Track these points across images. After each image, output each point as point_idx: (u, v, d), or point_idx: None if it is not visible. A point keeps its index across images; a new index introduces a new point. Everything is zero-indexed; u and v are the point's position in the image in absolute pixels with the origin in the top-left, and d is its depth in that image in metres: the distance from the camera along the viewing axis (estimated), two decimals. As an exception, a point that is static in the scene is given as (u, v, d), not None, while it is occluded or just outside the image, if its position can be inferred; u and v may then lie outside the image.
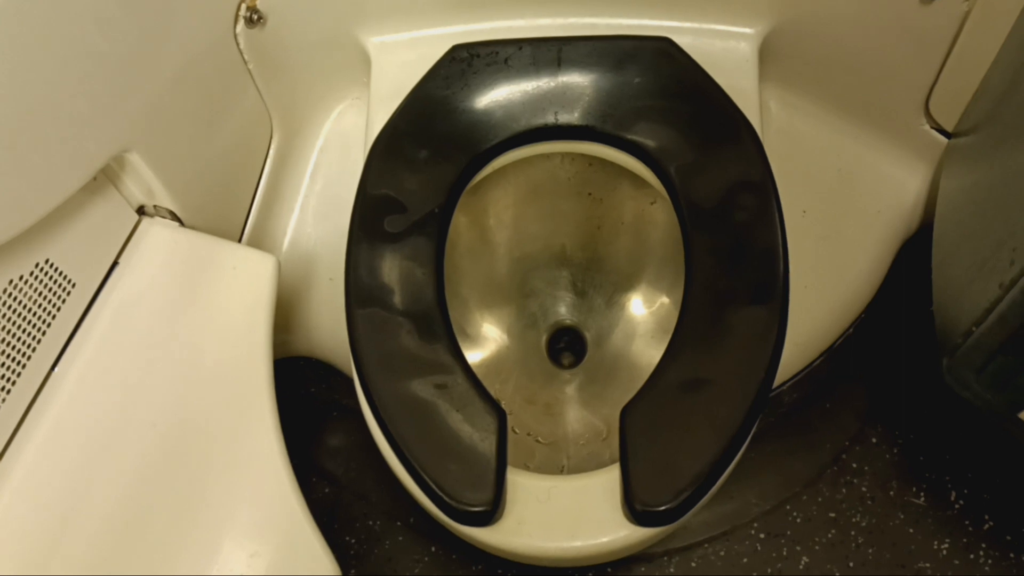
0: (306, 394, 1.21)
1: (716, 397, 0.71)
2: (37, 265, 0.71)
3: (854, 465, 1.10)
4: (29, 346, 0.71)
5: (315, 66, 1.05)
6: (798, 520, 1.07)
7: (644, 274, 1.05)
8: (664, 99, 0.87)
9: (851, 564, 1.03)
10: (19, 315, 0.69)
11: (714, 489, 0.69)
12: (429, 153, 0.85)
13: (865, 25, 0.95)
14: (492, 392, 0.73)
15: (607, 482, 0.70)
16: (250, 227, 1.01)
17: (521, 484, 0.70)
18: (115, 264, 0.80)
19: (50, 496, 0.69)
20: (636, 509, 0.66)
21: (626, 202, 1.02)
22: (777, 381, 1.09)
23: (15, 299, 0.68)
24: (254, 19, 0.93)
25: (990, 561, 1.02)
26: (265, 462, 0.75)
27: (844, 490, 1.08)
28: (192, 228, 0.86)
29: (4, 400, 0.69)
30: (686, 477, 0.67)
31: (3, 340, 0.68)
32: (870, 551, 1.04)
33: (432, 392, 0.73)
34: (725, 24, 0.96)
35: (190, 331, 0.80)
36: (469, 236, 1.04)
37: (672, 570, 1.05)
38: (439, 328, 0.76)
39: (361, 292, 0.78)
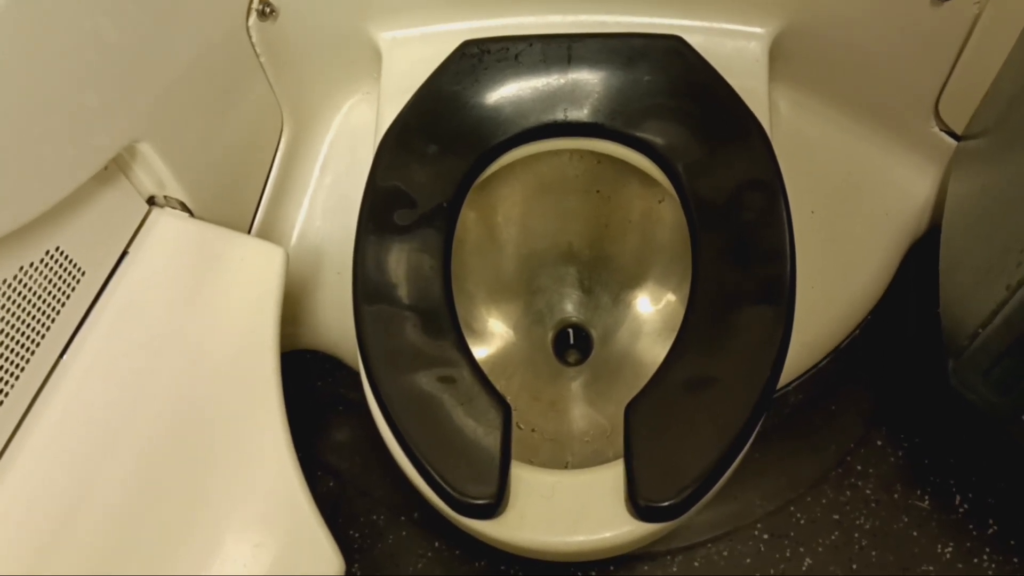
0: (312, 387, 1.21)
1: (721, 395, 0.71)
2: (48, 253, 0.71)
3: (859, 467, 1.10)
4: (38, 333, 0.71)
5: (326, 60, 1.05)
6: (802, 521, 1.07)
7: (651, 272, 1.05)
8: (674, 98, 0.87)
9: (854, 566, 1.03)
10: (29, 302, 0.69)
11: (717, 487, 0.69)
12: (439, 148, 0.85)
13: (876, 26, 0.95)
14: (498, 388, 0.73)
15: (611, 478, 0.70)
16: (259, 220, 1.02)
17: (525, 479, 0.70)
18: (125, 253, 0.81)
19: (57, 483, 0.70)
20: (639, 505, 0.66)
21: (634, 200, 1.02)
22: (783, 381, 1.09)
23: (25, 286, 0.69)
24: (266, 12, 0.93)
25: (993, 565, 1.02)
26: (271, 454, 0.75)
27: (848, 492, 1.08)
28: (202, 219, 0.87)
29: (13, 387, 0.69)
30: (689, 474, 0.67)
31: (13, 327, 0.68)
32: (873, 554, 1.04)
33: (438, 386, 0.73)
34: (736, 24, 0.96)
35: (198, 322, 0.80)
36: (477, 232, 1.04)
37: (675, 569, 1.05)
38: (446, 323, 0.76)
39: (368, 285, 0.78)
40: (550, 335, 1.09)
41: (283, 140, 1.05)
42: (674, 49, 0.90)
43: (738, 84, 0.87)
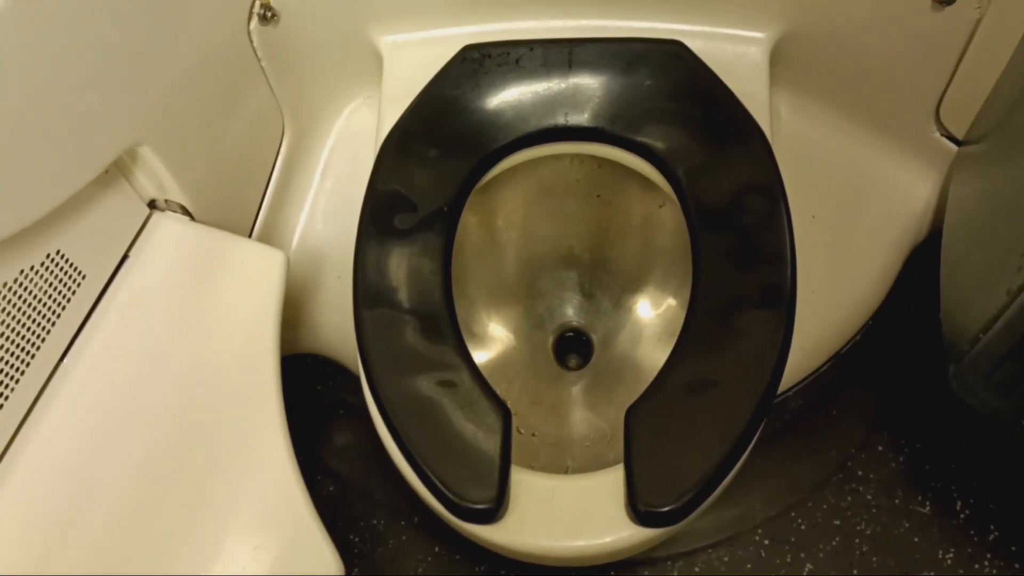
0: (312, 392, 1.21)
1: (721, 400, 0.71)
2: (48, 256, 0.71)
3: (860, 472, 1.09)
4: (39, 336, 0.71)
5: (327, 64, 1.05)
6: (803, 527, 1.07)
7: (651, 277, 1.05)
8: (674, 102, 0.87)
9: (855, 572, 1.03)
10: (30, 305, 0.69)
11: (718, 492, 0.69)
12: (439, 152, 0.85)
13: (876, 31, 0.95)
14: (498, 392, 0.73)
15: (611, 482, 0.70)
16: (260, 224, 1.02)
17: (525, 483, 0.70)
18: (125, 257, 0.81)
19: (57, 486, 0.70)
20: (639, 510, 0.66)
21: (634, 204, 1.02)
22: (783, 386, 1.09)
23: (26, 289, 0.69)
24: (268, 16, 0.93)
25: (994, 571, 1.01)
26: (271, 458, 0.75)
27: (849, 497, 1.08)
28: (203, 223, 0.87)
29: (13, 390, 0.69)
30: (690, 479, 0.67)
31: (13, 330, 0.68)
32: (874, 559, 1.04)
33: (438, 390, 0.73)
34: (737, 28, 0.96)
35: (199, 325, 0.80)
36: (478, 236, 1.04)
37: (675, 574, 1.05)
38: (446, 327, 0.76)
39: (369, 289, 0.78)
40: (551, 339, 1.09)
41: (284, 144, 1.05)
42: (675, 53, 0.90)
43: (739, 88, 0.87)
